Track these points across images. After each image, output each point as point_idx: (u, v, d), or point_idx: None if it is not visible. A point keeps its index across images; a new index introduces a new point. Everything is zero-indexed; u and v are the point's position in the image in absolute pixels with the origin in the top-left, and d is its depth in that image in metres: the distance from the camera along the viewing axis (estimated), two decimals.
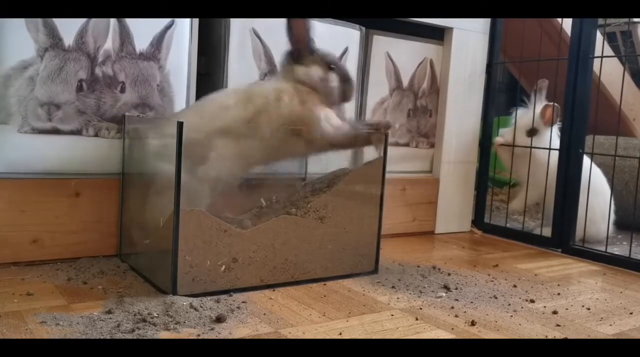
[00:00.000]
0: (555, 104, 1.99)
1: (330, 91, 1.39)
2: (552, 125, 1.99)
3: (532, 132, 2.02)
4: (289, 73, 1.39)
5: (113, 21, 1.42)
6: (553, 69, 1.95)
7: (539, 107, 2.02)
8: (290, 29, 1.38)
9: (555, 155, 1.94)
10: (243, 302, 1.20)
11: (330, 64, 1.40)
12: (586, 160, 1.92)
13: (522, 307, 1.30)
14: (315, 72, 1.38)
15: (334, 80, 1.40)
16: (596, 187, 1.97)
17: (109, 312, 1.09)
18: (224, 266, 1.25)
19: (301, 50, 1.39)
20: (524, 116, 2.06)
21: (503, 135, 2.12)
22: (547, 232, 1.99)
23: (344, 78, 1.42)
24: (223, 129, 1.28)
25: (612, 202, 1.97)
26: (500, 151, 2.13)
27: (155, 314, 1.08)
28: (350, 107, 1.86)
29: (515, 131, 2.05)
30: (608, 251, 1.80)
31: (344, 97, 1.43)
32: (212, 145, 1.27)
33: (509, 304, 1.31)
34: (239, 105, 1.31)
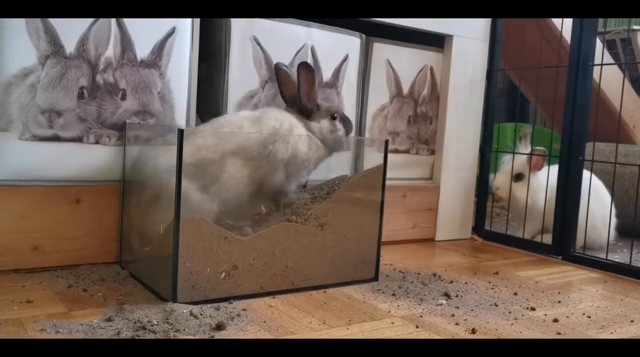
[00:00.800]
0: (542, 148, 2.03)
1: (339, 140, 1.51)
2: (547, 166, 2.02)
3: (518, 177, 2.06)
4: (305, 125, 1.46)
5: (114, 29, 1.42)
6: (553, 76, 1.95)
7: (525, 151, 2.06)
8: (300, 86, 1.45)
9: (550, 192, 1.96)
10: (243, 309, 1.20)
11: (333, 114, 1.50)
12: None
13: (522, 315, 1.30)
14: (325, 126, 1.48)
15: (340, 129, 1.51)
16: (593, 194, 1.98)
17: (109, 319, 1.08)
18: (224, 273, 1.25)
19: (312, 108, 1.48)
20: (510, 162, 2.08)
21: (498, 186, 2.12)
22: (547, 239, 1.99)
23: (345, 120, 1.53)
24: (233, 151, 1.33)
25: (613, 208, 1.98)
26: (498, 195, 2.15)
27: (155, 322, 1.08)
28: (350, 114, 1.87)
29: (505, 176, 2.09)
30: (608, 258, 1.80)
31: (347, 134, 1.55)
32: (224, 165, 1.32)
33: (510, 312, 1.31)
34: (252, 129, 1.38)
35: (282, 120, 1.41)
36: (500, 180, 2.11)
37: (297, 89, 1.45)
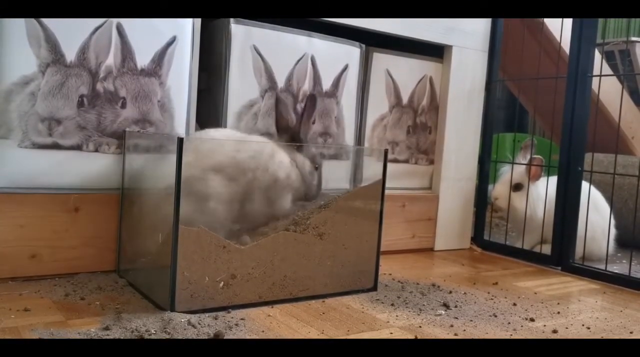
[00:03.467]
0: (540, 157, 2.04)
1: (309, 185, 1.50)
2: (546, 177, 2.03)
3: (516, 187, 2.06)
4: (291, 153, 1.47)
5: (115, 37, 1.43)
6: (552, 87, 1.96)
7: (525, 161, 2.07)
8: (303, 115, 1.49)
9: (548, 203, 1.96)
10: (241, 319, 1.20)
11: (316, 165, 1.51)
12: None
13: (521, 326, 1.29)
14: (307, 165, 1.49)
15: (314, 178, 1.51)
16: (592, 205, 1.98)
17: (106, 328, 1.08)
18: (222, 282, 1.24)
19: (303, 139, 1.50)
20: (509, 172, 2.08)
21: (497, 196, 2.12)
22: (546, 249, 1.99)
23: (318, 182, 1.54)
24: (215, 168, 1.30)
25: (612, 219, 1.98)
26: (497, 205, 2.15)
27: (152, 331, 1.08)
28: (350, 124, 1.87)
29: (504, 186, 2.09)
30: (608, 269, 1.80)
31: (312, 196, 1.52)
32: (207, 181, 1.30)
33: (509, 323, 1.31)
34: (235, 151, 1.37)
35: (264, 146, 1.40)
36: (499, 190, 2.11)
37: (301, 117, 1.48)
